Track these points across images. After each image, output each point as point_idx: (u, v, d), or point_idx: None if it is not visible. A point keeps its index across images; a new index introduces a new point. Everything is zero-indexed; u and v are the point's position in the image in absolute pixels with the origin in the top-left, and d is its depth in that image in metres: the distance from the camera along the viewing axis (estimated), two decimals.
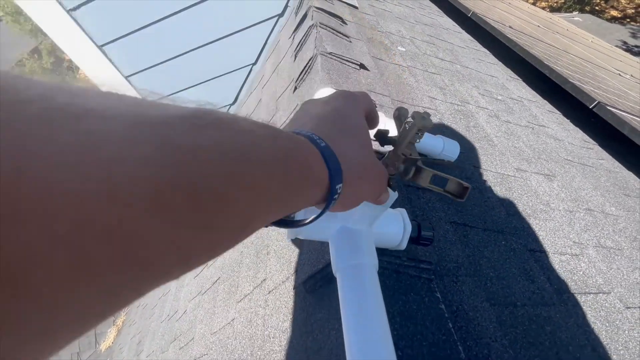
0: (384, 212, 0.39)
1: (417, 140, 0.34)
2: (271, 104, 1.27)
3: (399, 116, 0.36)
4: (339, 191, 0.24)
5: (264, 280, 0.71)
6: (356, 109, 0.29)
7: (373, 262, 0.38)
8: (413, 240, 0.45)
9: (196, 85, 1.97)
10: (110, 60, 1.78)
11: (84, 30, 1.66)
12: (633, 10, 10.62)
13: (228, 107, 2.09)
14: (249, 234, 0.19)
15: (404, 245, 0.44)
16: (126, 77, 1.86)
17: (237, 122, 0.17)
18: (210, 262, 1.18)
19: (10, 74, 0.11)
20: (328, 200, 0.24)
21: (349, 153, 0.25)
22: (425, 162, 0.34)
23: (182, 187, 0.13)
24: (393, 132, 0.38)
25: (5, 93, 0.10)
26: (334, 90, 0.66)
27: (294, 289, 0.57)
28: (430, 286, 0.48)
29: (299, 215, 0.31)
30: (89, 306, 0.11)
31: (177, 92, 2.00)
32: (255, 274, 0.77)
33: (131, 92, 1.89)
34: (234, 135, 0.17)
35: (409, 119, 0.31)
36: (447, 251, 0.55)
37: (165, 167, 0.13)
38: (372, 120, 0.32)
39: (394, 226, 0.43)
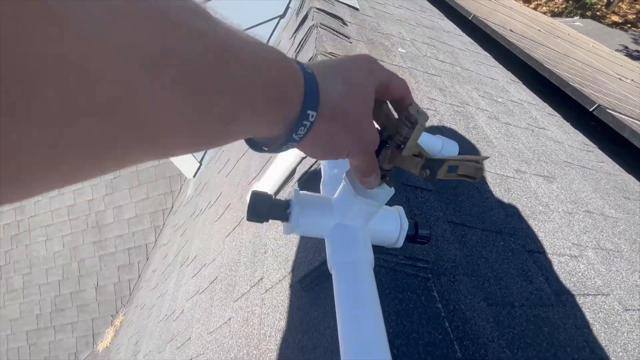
0: (380, 208, 0.39)
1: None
2: None
3: (382, 106, 0.35)
4: (310, 119, 0.24)
5: (261, 279, 0.71)
6: (365, 71, 0.29)
7: (369, 258, 0.38)
8: (410, 238, 0.45)
9: None
10: None
11: None
12: (634, 16, 10.66)
13: None
14: (231, 135, 0.21)
15: (400, 243, 0.44)
16: None
17: (225, 22, 0.20)
18: (208, 262, 1.18)
19: None
20: (297, 123, 0.24)
21: (336, 94, 0.26)
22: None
23: (173, 55, 0.15)
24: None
25: None
26: None
27: (290, 287, 0.56)
28: (427, 285, 0.47)
29: None
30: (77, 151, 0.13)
31: None
32: (253, 273, 0.77)
33: None
34: (220, 28, 0.19)
35: (411, 118, 0.30)
36: (444, 250, 0.55)
37: (162, 37, 0.15)
38: (388, 91, 0.31)
39: (390, 224, 0.43)
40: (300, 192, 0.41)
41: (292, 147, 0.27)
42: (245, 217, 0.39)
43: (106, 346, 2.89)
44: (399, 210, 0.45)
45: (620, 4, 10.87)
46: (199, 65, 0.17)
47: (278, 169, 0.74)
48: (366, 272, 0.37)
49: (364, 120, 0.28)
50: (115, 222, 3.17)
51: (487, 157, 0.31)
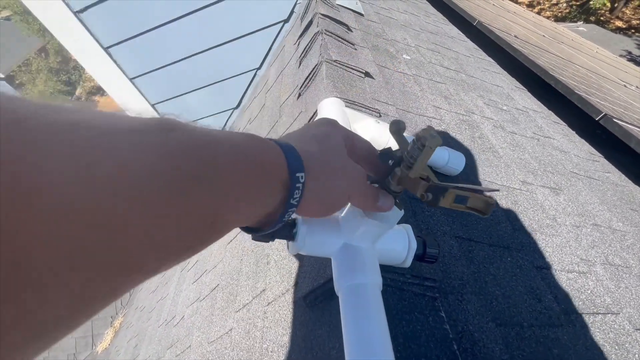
0: (389, 229, 0.38)
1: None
2: (275, 109, 1.27)
3: (398, 130, 0.34)
4: (301, 180, 0.25)
5: (264, 290, 0.70)
6: (329, 127, 0.32)
7: (377, 281, 0.37)
8: (418, 257, 0.44)
9: (200, 88, 1.98)
10: (115, 62, 1.78)
11: (90, 32, 1.66)
12: (638, 21, 10.63)
13: (231, 111, 2.09)
14: (219, 231, 0.21)
15: (408, 263, 0.43)
16: (131, 79, 1.86)
17: (197, 128, 0.20)
18: (209, 268, 1.17)
19: (6, 95, 0.13)
20: (290, 189, 0.24)
21: (314, 151, 0.28)
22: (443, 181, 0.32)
23: (152, 179, 0.15)
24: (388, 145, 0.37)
25: (4, 112, 0.12)
26: (340, 100, 0.65)
27: (293, 302, 0.55)
28: (434, 305, 0.46)
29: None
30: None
31: (182, 94, 2.01)
32: (255, 284, 0.76)
33: (135, 94, 1.89)
34: (195, 137, 0.19)
35: (422, 140, 0.29)
36: (451, 267, 0.53)
37: (137, 164, 0.15)
38: (354, 150, 0.33)
39: (398, 243, 0.42)
40: None
41: (292, 214, 0.27)
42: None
43: (105, 347, 2.88)
44: (407, 229, 0.44)
45: (624, 9, 10.85)
46: (177, 179, 0.16)
47: None
48: (374, 296, 0.36)
49: (346, 163, 0.30)
50: None
51: (497, 190, 0.31)
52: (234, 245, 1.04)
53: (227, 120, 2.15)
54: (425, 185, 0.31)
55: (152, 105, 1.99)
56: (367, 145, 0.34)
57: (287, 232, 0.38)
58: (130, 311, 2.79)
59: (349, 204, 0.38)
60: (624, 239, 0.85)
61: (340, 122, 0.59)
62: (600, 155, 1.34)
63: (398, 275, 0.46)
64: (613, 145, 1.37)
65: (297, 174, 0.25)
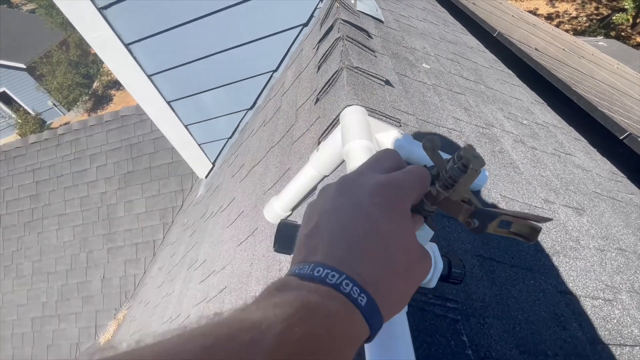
0: None
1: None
2: (291, 113, 1.26)
3: (432, 147, 0.32)
4: (378, 325, 0.21)
5: None
6: (376, 201, 0.24)
7: None
8: (443, 278, 0.42)
9: (217, 87, 1.99)
10: (135, 58, 1.81)
11: (112, 28, 1.69)
12: None
13: (245, 111, 2.10)
14: None
15: (433, 284, 0.41)
16: (149, 76, 1.89)
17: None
18: (218, 269, 1.17)
19: None
20: (370, 336, 0.20)
21: (383, 278, 0.21)
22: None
23: None
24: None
25: None
26: (363, 109, 0.63)
27: None
28: (456, 328, 0.44)
29: None
30: None
31: (198, 93, 2.02)
32: None
33: (152, 91, 1.91)
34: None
35: (464, 160, 0.28)
36: (473, 288, 0.52)
37: None
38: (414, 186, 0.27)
39: None
40: None
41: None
42: (274, 244, 0.37)
43: (108, 339, 2.91)
44: (433, 248, 0.42)
45: None
46: None
47: (298, 185, 0.72)
48: (400, 318, 0.34)
49: (416, 259, 0.24)
50: (125, 216, 3.21)
51: (550, 219, 0.28)
52: (244, 248, 1.03)
53: (241, 121, 2.15)
54: (469, 210, 0.29)
55: (168, 103, 2.01)
56: (427, 185, 0.28)
57: None
58: (135, 305, 2.81)
59: None
60: None
61: (364, 132, 0.58)
62: (623, 175, 1.30)
63: (420, 294, 0.45)
64: (636, 165, 1.32)
65: (377, 326, 0.21)
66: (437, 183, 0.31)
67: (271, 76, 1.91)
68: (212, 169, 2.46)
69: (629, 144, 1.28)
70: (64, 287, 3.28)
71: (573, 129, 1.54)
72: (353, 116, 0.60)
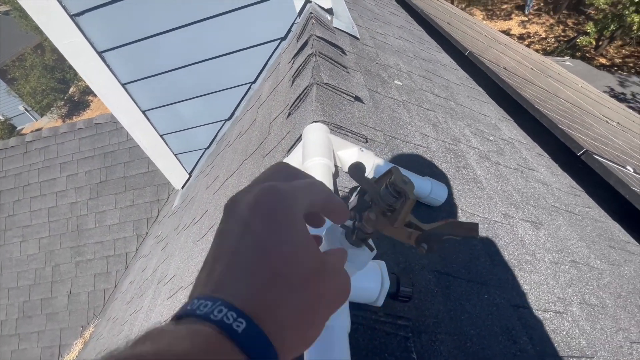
0: (359, 270, 0.37)
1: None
2: (264, 126, 1.26)
3: (359, 175, 0.30)
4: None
5: None
6: (254, 213, 0.21)
7: (344, 325, 0.35)
8: (391, 296, 0.43)
9: (194, 98, 1.97)
10: (108, 66, 1.77)
11: (85, 35, 1.65)
12: (620, 60, 11.22)
13: (223, 122, 2.09)
14: None
15: (380, 302, 0.41)
16: (123, 84, 1.85)
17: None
18: (186, 285, 1.13)
19: None
20: None
21: (281, 305, 0.19)
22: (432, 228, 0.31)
23: None
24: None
25: None
26: (324, 127, 0.64)
27: None
28: (406, 345, 0.45)
29: None
30: None
31: (175, 102, 2.00)
32: None
33: (126, 99, 1.87)
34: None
35: (398, 188, 0.29)
36: (427, 304, 0.52)
37: None
38: (330, 213, 0.26)
39: (371, 281, 0.41)
40: None
41: None
42: None
43: (72, 359, 2.73)
44: (381, 266, 0.43)
45: (607, 47, 11.45)
46: None
47: None
48: (339, 339, 0.34)
49: (308, 274, 0.21)
50: (96, 228, 3.07)
51: (476, 224, 0.30)
52: None
53: (219, 131, 2.13)
54: (416, 234, 0.30)
55: (143, 112, 1.97)
56: (323, 195, 0.25)
57: None
58: (103, 322, 2.67)
59: (322, 241, 0.37)
60: (601, 277, 0.86)
61: (323, 149, 0.58)
62: (582, 189, 1.37)
63: (370, 313, 0.45)
64: (594, 180, 1.41)
65: None
66: (374, 208, 0.31)
67: (249, 87, 1.91)
68: (188, 179, 2.41)
69: (585, 160, 1.36)
70: (26, 304, 3.07)
71: (537, 145, 1.63)
72: (314, 134, 0.61)
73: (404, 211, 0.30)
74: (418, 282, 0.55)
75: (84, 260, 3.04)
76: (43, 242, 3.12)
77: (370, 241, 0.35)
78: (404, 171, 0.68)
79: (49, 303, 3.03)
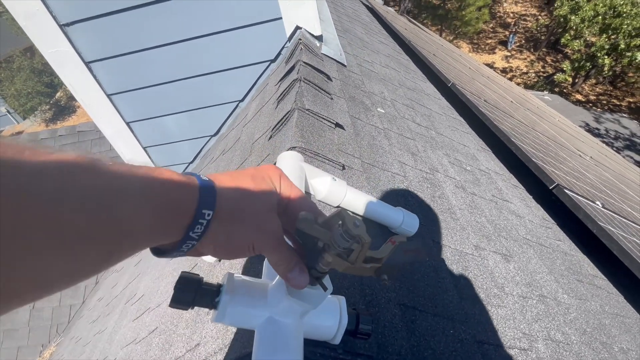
0: (313, 309, 0.36)
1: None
2: (247, 145, 1.27)
3: (308, 227, 0.31)
4: (207, 217, 0.27)
5: (198, 345, 0.64)
6: (266, 175, 0.33)
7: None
8: (350, 333, 0.42)
9: (180, 112, 1.97)
10: (95, 76, 1.76)
11: (73, 45, 1.65)
12: (595, 97, 11.96)
13: (209, 137, 2.08)
14: (115, 262, 0.24)
15: (338, 340, 0.41)
16: (108, 95, 1.83)
17: (116, 170, 0.23)
18: (153, 306, 1.08)
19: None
20: (193, 223, 0.26)
21: (235, 196, 0.29)
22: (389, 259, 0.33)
23: (46, 219, 0.19)
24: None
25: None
26: (298, 155, 0.65)
27: None
28: None
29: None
30: None
31: (160, 116, 1.99)
32: (192, 335, 0.70)
33: (111, 110, 1.85)
34: (105, 180, 0.22)
35: (352, 235, 0.29)
36: (390, 340, 0.52)
37: (30, 205, 0.18)
38: (290, 207, 0.34)
39: (328, 319, 0.40)
40: (235, 276, 0.38)
41: (191, 246, 0.28)
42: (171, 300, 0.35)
43: None
44: (340, 301, 0.42)
45: (583, 85, 12.21)
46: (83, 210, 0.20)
47: None
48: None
49: (263, 213, 0.31)
50: None
51: (426, 244, 0.33)
52: None
53: (204, 146, 2.12)
54: (375, 267, 0.31)
55: (127, 123, 1.95)
56: (308, 207, 0.34)
57: (209, 300, 0.36)
58: (66, 340, 2.50)
59: (278, 276, 0.37)
60: (567, 312, 0.87)
61: (295, 177, 0.59)
62: (554, 222, 1.42)
63: (329, 350, 0.44)
64: (565, 213, 1.46)
65: (204, 211, 0.26)
66: (330, 251, 0.31)
67: (237, 105, 1.93)
68: None
69: (556, 194, 1.42)
70: None
71: (513, 176, 1.68)
72: (287, 161, 0.62)
73: (360, 255, 0.30)
74: (383, 316, 0.55)
75: None
76: None
77: (327, 278, 0.35)
78: (373, 204, 0.69)
79: (8, 318, 2.83)
